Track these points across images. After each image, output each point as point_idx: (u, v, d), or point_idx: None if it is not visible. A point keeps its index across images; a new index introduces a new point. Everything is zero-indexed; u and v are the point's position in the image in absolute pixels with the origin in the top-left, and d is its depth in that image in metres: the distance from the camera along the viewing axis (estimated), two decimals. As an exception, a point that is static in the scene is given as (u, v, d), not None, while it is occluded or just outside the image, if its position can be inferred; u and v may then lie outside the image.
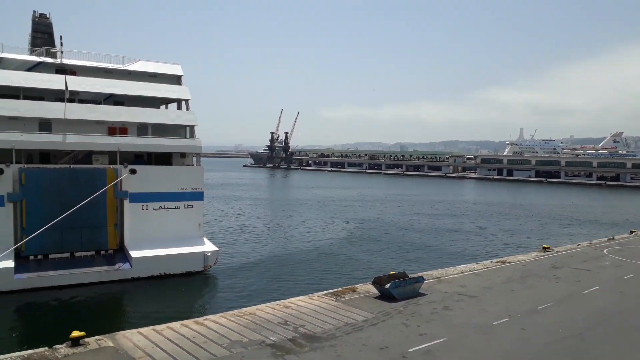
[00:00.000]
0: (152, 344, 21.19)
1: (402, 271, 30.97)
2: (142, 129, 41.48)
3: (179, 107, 46.51)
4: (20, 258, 34.03)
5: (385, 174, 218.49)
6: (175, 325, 23.64)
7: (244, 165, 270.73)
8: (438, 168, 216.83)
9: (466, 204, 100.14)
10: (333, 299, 27.68)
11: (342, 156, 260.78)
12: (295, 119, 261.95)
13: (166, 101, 47.45)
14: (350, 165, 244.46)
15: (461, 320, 23.86)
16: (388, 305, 26.26)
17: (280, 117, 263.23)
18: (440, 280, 31.54)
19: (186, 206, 40.58)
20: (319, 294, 29.30)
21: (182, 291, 34.91)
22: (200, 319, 24.71)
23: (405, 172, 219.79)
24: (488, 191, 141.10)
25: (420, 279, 28.96)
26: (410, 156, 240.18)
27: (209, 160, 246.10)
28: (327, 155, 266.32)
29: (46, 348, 20.71)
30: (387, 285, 27.31)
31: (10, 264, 32.02)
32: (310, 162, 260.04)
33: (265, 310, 25.92)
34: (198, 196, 41.27)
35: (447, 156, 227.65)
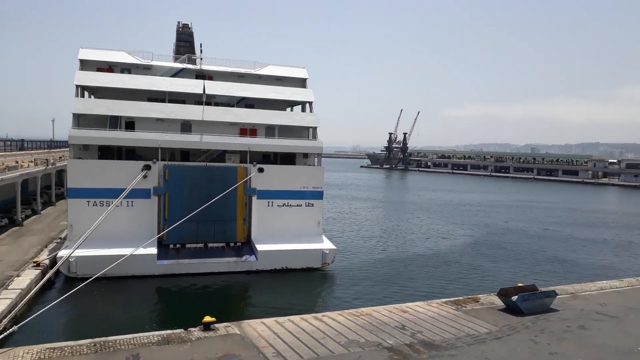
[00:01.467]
0: (275, 334, 22.18)
1: (531, 284, 28.71)
2: (270, 130, 43.84)
3: (303, 109, 48.26)
4: (162, 246, 37.85)
5: (513, 177, 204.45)
6: (296, 318, 24.49)
7: (361, 166, 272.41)
8: (575, 173, 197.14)
9: (608, 214, 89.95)
10: (453, 307, 26.59)
11: (464, 158, 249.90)
12: (415, 119, 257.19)
13: (292, 104, 49.55)
14: (474, 167, 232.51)
15: (599, 341, 21.46)
16: (514, 319, 24.53)
17: (399, 117, 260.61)
18: (575, 296, 28.69)
19: (307, 204, 41.98)
20: (438, 301, 28.36)
21: (301, 286, 36.12)
22: (319, 315, 25.31)
23: (536, 177, 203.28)
24: (635, 200, 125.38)
25: (552, 294, 26.59)
26: (543, 159, 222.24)
27: (327, 161, 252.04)
28: (448, 157, 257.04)
29: (182, 330, 22.73)
30: (514, 298, 25.52)
31: (153, 251, 35.84)
32: (429, 163, 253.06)
33: (382, 312, 25.74)
34: (318, 195, 42.46)
35: (586, 160, 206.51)
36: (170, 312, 30.49)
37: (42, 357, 19.57)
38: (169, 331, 22.64)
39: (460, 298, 28.63)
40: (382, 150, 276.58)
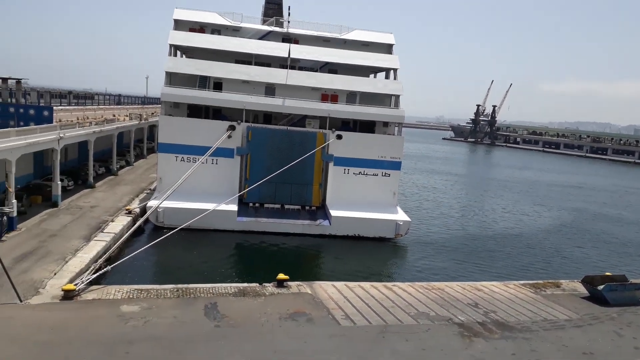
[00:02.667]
0: (344, 298, 22.54)
1: (621, 274, 26.70)
2: (351, 96, 43.41)
3: (387, 76, 47.15)
4: (242, 204, 39.40)
5: (611, 160, 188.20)
6: (366, 285, 24.70)
7: (444, 138, 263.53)
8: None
9: None
10: (532, 290, 25.47)
11: (557, 136, 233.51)
12: (507, 92, 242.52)
13: (376, 70, 48.56)
14: (567, 147, 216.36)
15: (698, 345, 19.61)
16: (598, 309, 23.07)
17: (489, 89, 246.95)
18: (672, 293, 26.28)
19: (384, 174, 41.53)
20: (516, 282, 27.31)
21: (373, 254, 36.20)
22: (389, 284, 25.33)
23: (637, 161, 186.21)
24: None
25: (645, 287, 24.57)
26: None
27: (408, 131, 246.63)
28: (540, 134, 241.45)
29: (257, 284, 23.76)
30: (601, 287, 23.91)
31: (234, 207, 37.43)
32: (518, 139, 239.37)
33: (455, 288, 25.23)
34: (396, 165, 41.80)
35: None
36: (246, 267, 31.93)
37: (130, 296, 21.37)
38: (244, 284, 23.77)
39: (540, 282, 27.36)
40: (467, 123, 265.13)
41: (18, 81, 50.90)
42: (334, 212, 38.73)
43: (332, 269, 32.68)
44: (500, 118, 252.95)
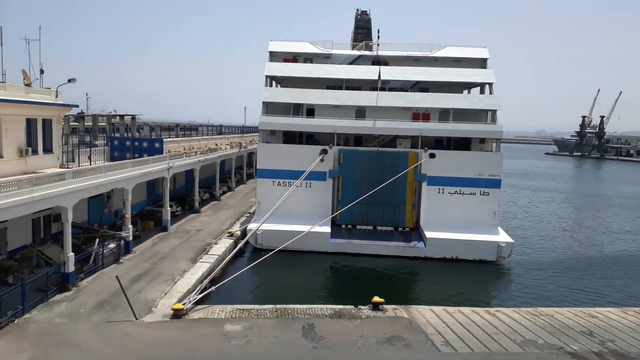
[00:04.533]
0: (443, 323, 21.77)
1: None
2: (444, 114, 42.52)
3: (482, 91, 45.63)
4: (335, 225, 39.86)
5: None
6: (466, 310, 23.68)
7: (546, 153, 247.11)
8: None
9: None
10: (658, 319, 22.81)
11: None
12: (616, 100, 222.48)
13: (469, 85, 47.23)
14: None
15: None
16: None
17: (595, 99, 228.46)
18: None
19: (482, 193, 39.84)
20: (636, 309, 24.64)
21: (472, 278, 34.59)
22: (491, 310, 24.09)
23: None
24: None
25: None
26: None
27: (507, 147, 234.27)
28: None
29: (352, 306, 23.75)
30: None
31: (328, 229, 37.97)
32: (632, 151, 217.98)
33: (566, 314, 23.36)
34: (495, 183, 39.94)
35: None
36: (340, 288, 32.05)
37: (233, 315, 22.37)
38: (340, 306, 23.87)
39: (667, 309, 24.42)
40: (572, 136, 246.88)
41: (133, 117, 56.36)
42: (429, 234, 37.77)
43: (429, 292, 31.72)
44: (610, 129, 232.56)
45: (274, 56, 46.47)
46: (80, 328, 20.11)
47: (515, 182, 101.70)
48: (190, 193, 48.96)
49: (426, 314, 22.85)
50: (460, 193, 40.06)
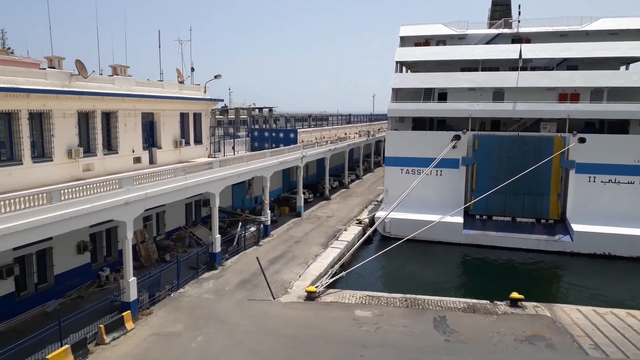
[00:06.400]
0: (592, 325, 19.75)
1: None
2: (596, 93, 37.97)
3: (645, 66, 39.86)
4: (468, 216, 38.04)
5: None
6: (621, 312, 21.19)
7: None
8: None
9: None
10: None
11: None
12: None
13: (628, 60, 41.48)
14: None
15: None
16: None
17: None
18: None
19: (643, 182, 34.98)
20: None
21: (629, 277, 30.65)
22: (654, 315, 21.16)
23: None
24: None
25: None
26: None
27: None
28: None
29: (488, 301, 22.59)
30: None
31: (460, 220, 36.40)
32: None
33: None
34: (661, 172, 34.78)
35: None
36: (473, 282, 30.59)
37: (363, 302, 22.69)
38: (474, 300, 22.89)
39: None
40: None
41: (270, 109, 59.80)
42: (577, 227, 34.23)
43: (575, 291, 28.78)
44: None
45: (405, 41, 45.53)
46: (225, 304, 22.04)
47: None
48: (321, 181, 50.57)
49: (572, 314, 20.85)
50: (615, 182, 35.63)
